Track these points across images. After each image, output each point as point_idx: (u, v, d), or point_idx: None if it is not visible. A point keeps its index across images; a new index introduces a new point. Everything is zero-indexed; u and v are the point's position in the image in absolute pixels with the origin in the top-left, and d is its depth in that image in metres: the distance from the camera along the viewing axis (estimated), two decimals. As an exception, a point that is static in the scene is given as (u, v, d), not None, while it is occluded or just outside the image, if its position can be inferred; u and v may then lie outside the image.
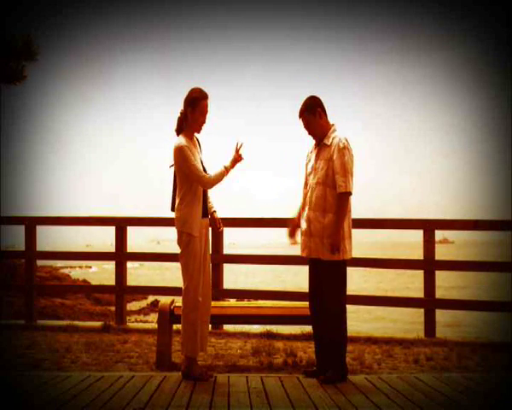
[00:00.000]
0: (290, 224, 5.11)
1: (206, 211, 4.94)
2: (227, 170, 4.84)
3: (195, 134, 4.98)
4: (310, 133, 4.97)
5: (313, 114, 4.89)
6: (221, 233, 7.50)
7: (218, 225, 5.05)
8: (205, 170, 4.90)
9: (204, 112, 4.84)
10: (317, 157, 4.90)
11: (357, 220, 5.97)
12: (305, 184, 5.00)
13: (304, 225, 4.91)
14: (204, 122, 4.89)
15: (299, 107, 4.96)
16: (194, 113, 4.81)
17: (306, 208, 4.90)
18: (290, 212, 5.20)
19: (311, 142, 5.08)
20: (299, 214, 5.03)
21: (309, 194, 4.89)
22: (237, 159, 4.89)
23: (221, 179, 4.82)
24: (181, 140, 4.82)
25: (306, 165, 5.06)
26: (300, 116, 4.96)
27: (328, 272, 4.78)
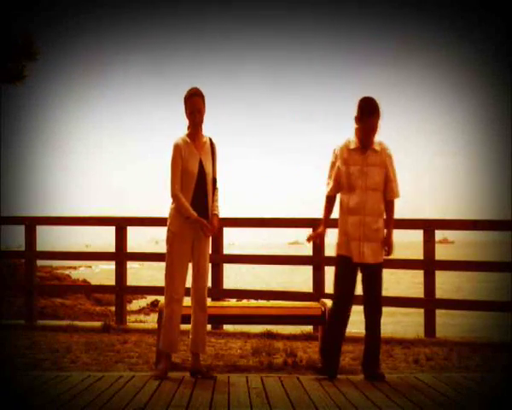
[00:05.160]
0: (323, 225, 5.05)
1: (204, 212, 4.86)
2: (189, 215, 4.78)
3: (208, 136, 5.02)
4: (372, 133, 4.81)
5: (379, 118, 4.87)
6: (221, 233, 7.53)
7: (205, 229, 4.81)
8: (204, 172, 4.88)
9: (193, 109, 4.85)
10: (366, 162, 4.82)
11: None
12: (349, 186, 4.84)
13: (356, 229, 4.82)
14: (195, 119, 4.86)
15: (374, 104, 4.80)
16: (185, 111, 4.93)
17: (358, 213, 4.81)
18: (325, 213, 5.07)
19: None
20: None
21: (361, 199, 4.81)
22: (204, 228, 4.81)
23: (180, 209, 4.80)
24: (177, 138, 4.93)
25: (346, 168, 4.85)
26: (375, 113, 4.80)
27: (379, 275, 4.91)
